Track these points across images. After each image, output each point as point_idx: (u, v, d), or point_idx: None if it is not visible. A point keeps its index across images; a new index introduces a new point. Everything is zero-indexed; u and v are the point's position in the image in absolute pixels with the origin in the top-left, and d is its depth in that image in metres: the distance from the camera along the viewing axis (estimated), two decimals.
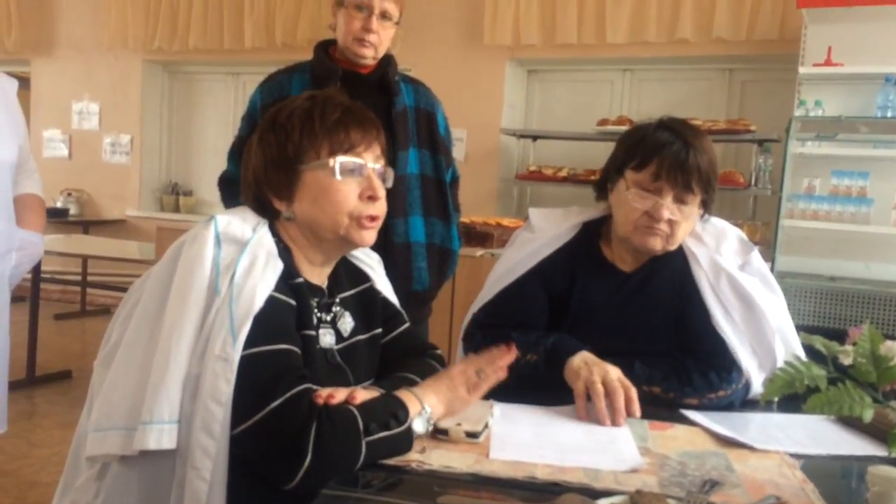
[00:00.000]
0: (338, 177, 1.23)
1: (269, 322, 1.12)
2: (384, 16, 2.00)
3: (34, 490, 2.91)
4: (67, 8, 6.76)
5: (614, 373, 1.37)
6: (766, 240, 4.29)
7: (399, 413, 1.12)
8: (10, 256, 2.13)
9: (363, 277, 1.42)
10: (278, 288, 1.16)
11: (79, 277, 6.09)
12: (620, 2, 4.93)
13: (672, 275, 1.58)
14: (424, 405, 1.17)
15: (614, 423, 1.30)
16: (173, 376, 1.09)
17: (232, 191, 2.02)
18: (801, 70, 4.11)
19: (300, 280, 1.23)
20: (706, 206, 1.55)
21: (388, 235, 2.01)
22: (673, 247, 1.54)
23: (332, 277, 1.35)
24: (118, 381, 1.14)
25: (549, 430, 1.27)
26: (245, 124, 2.11)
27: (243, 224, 1.22)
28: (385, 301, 1.45)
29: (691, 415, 1.39)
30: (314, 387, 1.12)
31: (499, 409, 1.33)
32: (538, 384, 1.45)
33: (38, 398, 4.06)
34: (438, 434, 1.18)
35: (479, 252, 4.22)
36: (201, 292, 1.13)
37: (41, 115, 6.89)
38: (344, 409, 1.09)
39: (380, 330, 1.40)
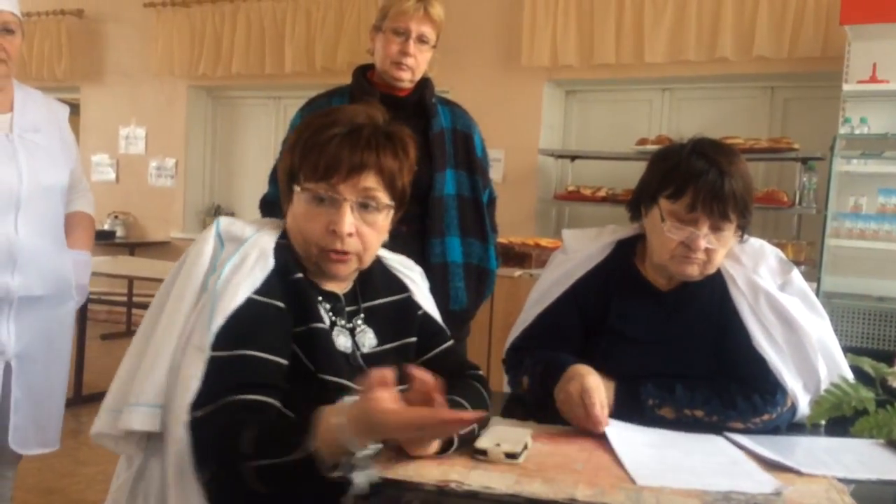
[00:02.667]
0: (305, 203, 1.21)
1: (239, 325, 1.14)
2: (421, 39, 2.02)
3: None
4: (116, 36, 6.97)
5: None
6: (811, 260, 4.21)
7: (291, 438, 1.00)
8: (69, 281, 2.19)
9: (402, 287, 1.40)
10: (265, 289, 1.17)
11: (125, 298, 6.22)
12: (659, 21, 4.92)
13: (710, 296, 1.56)
14: (339, 421, 0.99)
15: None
16: (160, 364, 1.16)
17: (273, 212, 2.05)
18: (846, 87, 4.05)
19: (299, 276, 1.22)
20: (743, 230, 1.53)
21: (425, 255, 2.02)
22: (711, 272, 1.53)
23: (361, 285, 1.33)
24: (121, 369, 1.23)
25: (668, 452, 1.26)
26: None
27: (246, 226, 1.26)
28: (427, 316, 1.42)
29: (736, 438, 1.36)
30: (253, 398, 1.10)
31: (609, 430, 1.32)
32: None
33: (85, 417, 4.13)
34: (477, 454, 1.17)
35: (517, 272, 4.21)
36: (196, 287, 1.20)
37: (90, 140, 7.08)
38: (238, 428, 1.04)
39: (413, 339, 1.37)
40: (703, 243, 1.46)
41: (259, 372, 1.13)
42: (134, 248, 6.68)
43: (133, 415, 1.14)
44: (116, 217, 6.88)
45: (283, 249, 1.25)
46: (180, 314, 1.18)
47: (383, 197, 1.24)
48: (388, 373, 1.00)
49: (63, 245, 2.19)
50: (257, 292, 1.17)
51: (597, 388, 1.36)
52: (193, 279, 1.20)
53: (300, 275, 1.23)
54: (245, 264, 1.18)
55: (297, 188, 1.23)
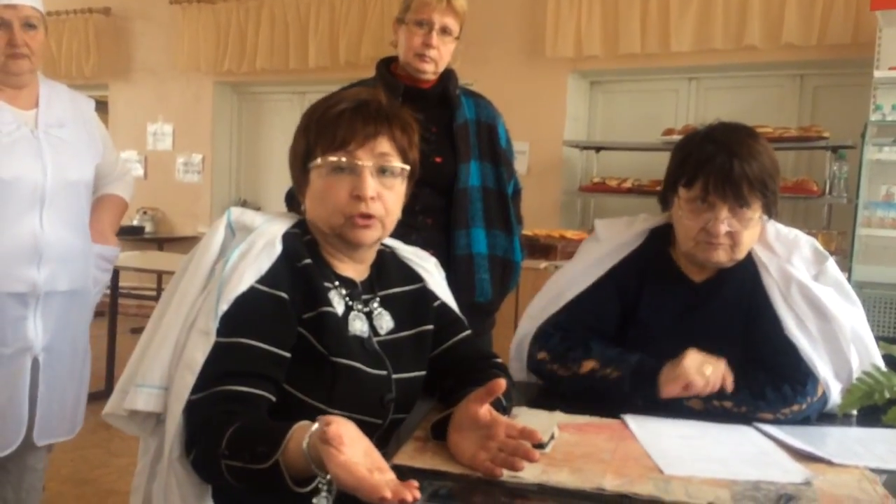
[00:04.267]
0: (325, 176, 1.24)
1: (239, 313, 1.16)
2: (444, 31, 2.02)
3: (113, 498, 3.01)
4: (143, 34, 7.05)
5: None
6: (842, 249, 4.15)
7: (258, 448, 0.99)
8: (89, 272, 2.24)
9: (416, 278, 1.41)
10: (270, 278, 1.19)
11: (154, 293, 6.30)
12: (685, 10, 4.86)
13: (742, 284, 1.54)
14: (303, 444, 0.94)
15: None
16: (166, 347, 1.18)
17: (299, 206, 2.06)
18: (877, 74, 3.97)
19: (307, 261, 1.24)
20: (768, 209, 1.51)
21: (450, 247, 2.02)
22: (740, 256, 1.51)
23: (377, 273, 1.34)
24: (135, 351, 1.25)
25: (697, 443, 1.26)
26: None
27: (257, 216, 1.29)
28: (443, 305, 1.43)
29: (767, 428, 1.35)
30: (245, 390, 1.11)
31: (633, 422, 1.32)
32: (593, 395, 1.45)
33: None
34: None
35: (542, 264, 4.19)
36: (204, 274, 1.23)
37: (118, 137, 7.16)
38: (222, 422, 1.05)
39: (430, 327, 1.37)
40: (722, 228, 1.46)
41: (255, 361, 1.14)
42: (162, 243, 6.76)
43: (138, 395, 1.17)
44: (145, 213, 6.97)
45: (293, 237, 1.26)
46: (188, 299, 1.21)
47: (398, 162, 1.27)
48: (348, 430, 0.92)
49: (87, 239, 2.23)
50: (261, 281, 1.18)
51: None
52: (203, 266, 1.24)
53: (308, 260, 1.24)
54: (252, 251, 1.20)
55: (315, 163, 1.25)
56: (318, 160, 1.24)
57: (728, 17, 4.76)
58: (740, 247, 1.49)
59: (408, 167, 1.30)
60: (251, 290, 1.17)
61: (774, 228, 1.59)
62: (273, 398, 1.15)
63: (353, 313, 1.27)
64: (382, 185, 1.25)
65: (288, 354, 1.18)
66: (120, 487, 3.09)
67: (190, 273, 1.25)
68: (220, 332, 1.14)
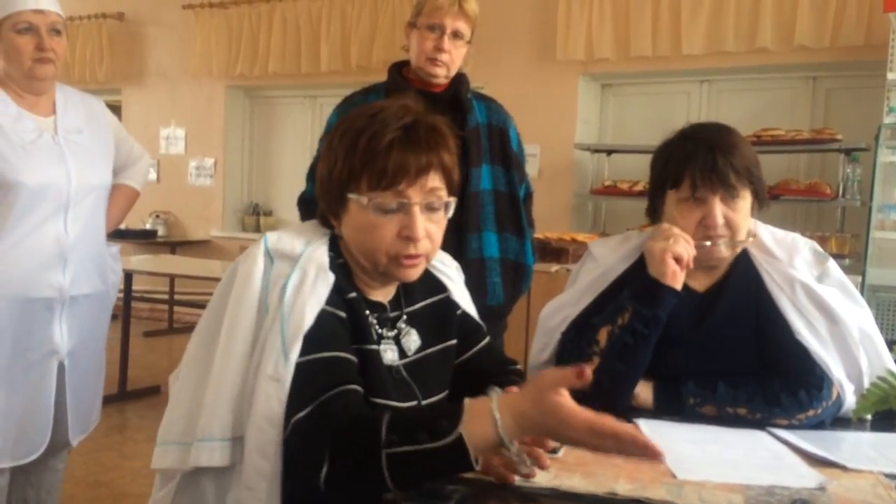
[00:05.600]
0: (371, 213, 1.16)
1: (318, 333, 1.11)
2: (456, 35, 2.02)
3: (125, 501, 3.03)
4: (155, 39, 7.09)
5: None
6: (855, 252, 4.12)
7: (439, 424, 0.97)
8: (107, 274, 2.26)
9: (440, 287, 1.37)
10: (330, 301, 1.14)
11: (166, 296, 6.33)
12: (697, 11, 4.85)
13: (747, 291, 1.53)
14: (496, 416, 0.96)
15: None
16: (224, 395, 1.11)
17: (311, 210, 2.06)
18: (890, 76, 3.95)
19: (353, 295, 1.19)
20: (759, 197, 1.52)
21: (462, 251, 2.02)
22: (739, 247, 1.51)
23: (404, 289, 1.30)
24: (178, 397, 1.19)
25: (710, 448, 1.25)
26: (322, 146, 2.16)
27: (294, 239, 1.20)
28: (465, 315, 1.40)
29: (780, 433, 1.34)
30: (353, 389, 1.09)
31: (645, 426, 1.31)
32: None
33: (130, 412, 4.23)
34: None
35: (554, 267, 4.19)
36: (252, 310, 1.14)
37: None
38: (370, 417, 1.02)
39: (454, 341, 1.34)
40: (718, 219, 1.46)
41: (347, 371, 1.11)
42: (175, 246, 6.80)
43: (202, 451, 1.11)
44: (158, 216, 7.01)
45: (337, 266, 1.20)
46: (238, 340, 1.13)
47: (445, 194, 1.21)
48: (565, 373, 0.96)
49: (104, 241, 2.26)
50: (327, 303, 1.14)
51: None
52: (247, 302, 1.15)
53: (354, 294, 1.19)
54: (306, 282, 1.14)
55: (356, 197, 1.16)
56: (365, 197, 1.15)
57: (740, 19, 4.75)
58: (737, 233, 1.49)
59: (453, 199, 1.22)
60: (320, 312, 1.12)
61: (771, 234, 1.58)
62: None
63: (383, 343, 1.23)
64: (430, 220, 1.19)
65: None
66: (133, 490, 3.10)
67: (233, 310, 1.15)
68: (301, 355, 1.09)
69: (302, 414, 1.05)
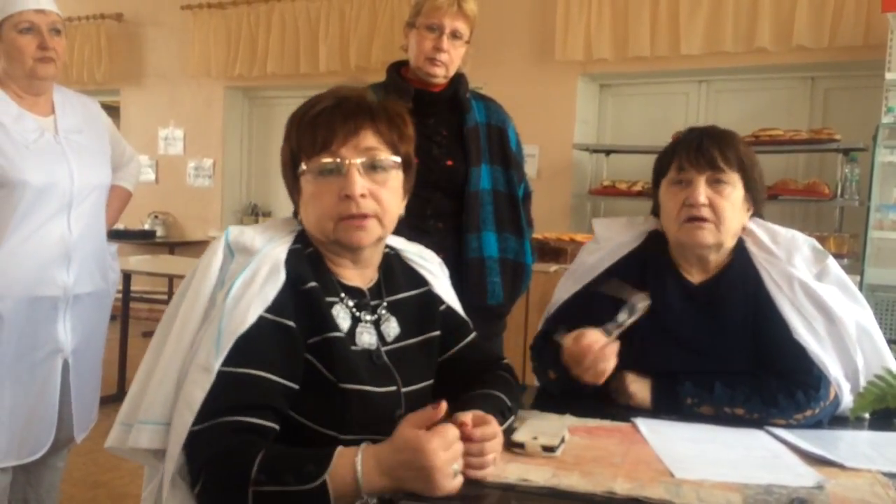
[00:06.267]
0: (313, 181, 1.19)
1: (248, 343, 1.10)
2: (455, 35, 2.02)
3: (124, 501, 3.02)
4: (154, 39, 7.09)
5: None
6: (854, 252, 4.13)
7: (306, 468, 0.99)
8: (108, 272, 2.27)
9: (421, 281, 1.37)
10: (277, 306, 1.13)
11: (165, 296, 6.32)
12: (695, 11, 4.85)
13: (744, 290, 1.53)
14: (357, 469, 0.99)
15: None
16: (166, 381, 1.13)
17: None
18: (888, 76, 3.95)
19: (312, 285, 1.18)
20: (752, 194, 1.53)
21: (461, 251, 2.03)
22: (725, 236, 1.51)
23: (385, 278, 1.31)
24: (135, 381, 1.21)
25: (708, 447, 1.26)
26: None
27: (256, 235, 1.21)
28: (449, 310, 1.40)
29: (778, 432, 1.34)
30: (255, 422, 1.08)
31: (644, 426, 1.32)
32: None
33: None
34: (515, 448, 1.17)
35: (552, 268, 4.19)
36: (204, 301, 1.16)
37: (130, 142, 7.11)
38: (246, 452, 1.02)
39: (437, 333, 1.34)
40: (701, 196, 1.47)
41: (264, 394, 1.10)
42: (174, 247, 6.79)
43: (141, 433, 1.13)
44: (156, 217, 7.00)
45: (296, 257, 1.20)
46: (188, 329, 1.15)
47: (388, 155, 1.21)
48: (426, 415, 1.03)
49: (105, 240, 2.27)
50: (268, 310, 1.13)
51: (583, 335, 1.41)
52: (202, 293, 1.16)
53: (313, 283, 1.18)
54: (255, 280, 1.14)
55: (301, 168, 1.21)
56: (304, 165, 1.20)
57: (738, 19, 4.75)
58: (723, 223, 1.49)
59: (398, 159, 1.23)
60: (259, 320, 1.11)
61: (770, 231, 1.57)
62: (277, 429, 1.11)
63: (360, 326, 1.23)
64: (373, 181, 1.19)
65: (297, 386, 1.14)
66: (131, 491, 3.10)
67: (189, 300, 1.17)
68: (226, 362, 1.09)
69: (197, 427, 1.06)
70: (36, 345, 2.08)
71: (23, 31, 2.03)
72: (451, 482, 1.00)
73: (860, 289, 3.64)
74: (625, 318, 1.32)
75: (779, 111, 4.94)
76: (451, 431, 1.01)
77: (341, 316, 1.21)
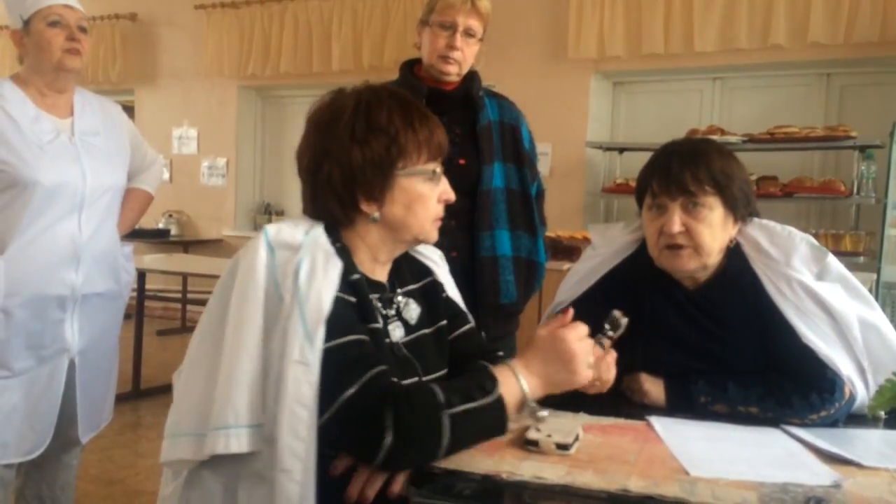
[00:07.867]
0: (424, 183, 1.27)
1: (337, 319, 1.14)
2: (468, 33, 2.02)
3: (139, 499, 3.04)
4: (168, 39, 7.13)
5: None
6: (870, 250, 4.09)
7: (486, 383, 1.14)
8: (120, 273, 2.28)
9: (425, 272, 1.42)
10: (343, 288, 1.18)
11: (179, 295, 6.36)
12: (709, 9, 4.83)
13: (743, 296, 1.51)
14: (519, 377, 1.18)
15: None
16: (236, 385, 1.12)
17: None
18: None
19: (357, 276, 1.23)
20: (734, 208, 1.48)
21: (474, 249, 2.02)
22: (708, 260, 1.48)
23: (394, 272, 1.35)
24: (187, 391, 1.21)
25: (723, 445, 1.25)
26: None
27: (293, 229, 1.22)
28: (449, 299, 1.44)
29: (794, 430, 1.33)
30: (386, 368, 1.14)
31: (658, 423, 1.32)
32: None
33: (144, 410, 4.25)
34: (529, 445, 1.17)
35: (565, 266, 4.18)
36: (259, 300, 1.15)
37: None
38: (423, 385, 1.14)
39: (445, 322, 1.39)
40: (675, 226, 1.45)
41: (373, 352, 1.17)
42: (188, 245, 6.84)
43: (219, 439, 1.11)
44: (171, 216, 7.05)
45: (340, 251, 1.23)
46: (251, 331, 1.14)
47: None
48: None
49: (118, 241, 2.28)
50: (340, 290, 1.17)
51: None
52: (252, 294, 1.16)
53: (358, 276, 1.23)
54: (317, 268, 1.17)
55: (414, 169, 1.25)
56: (427, 168, 1.27)
57: (753, 15, 4.72)
58: (702, 247, 1.46)
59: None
60: (335, 299, 1.15)
61: (767, 232, 1.54)
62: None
63: (390, 322, 1.29)
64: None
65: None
66: (147, 488, 3.12)
67: (238, 302, 1.16)
68: (325, 340, 1.12)
69: (351, 391, 1.10)
70: (43, 343, 2.09)
71: (52, 23, 2.06)
72: (588, 372, 1.20)
73: (877, 287, 3.61)
74: (611, 332, 1.32)
75: (794, 108, 4.90)
76: (581, 327, 1.21)
77: (378, 309, 1.27)
